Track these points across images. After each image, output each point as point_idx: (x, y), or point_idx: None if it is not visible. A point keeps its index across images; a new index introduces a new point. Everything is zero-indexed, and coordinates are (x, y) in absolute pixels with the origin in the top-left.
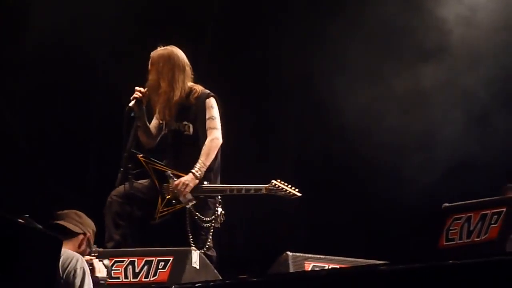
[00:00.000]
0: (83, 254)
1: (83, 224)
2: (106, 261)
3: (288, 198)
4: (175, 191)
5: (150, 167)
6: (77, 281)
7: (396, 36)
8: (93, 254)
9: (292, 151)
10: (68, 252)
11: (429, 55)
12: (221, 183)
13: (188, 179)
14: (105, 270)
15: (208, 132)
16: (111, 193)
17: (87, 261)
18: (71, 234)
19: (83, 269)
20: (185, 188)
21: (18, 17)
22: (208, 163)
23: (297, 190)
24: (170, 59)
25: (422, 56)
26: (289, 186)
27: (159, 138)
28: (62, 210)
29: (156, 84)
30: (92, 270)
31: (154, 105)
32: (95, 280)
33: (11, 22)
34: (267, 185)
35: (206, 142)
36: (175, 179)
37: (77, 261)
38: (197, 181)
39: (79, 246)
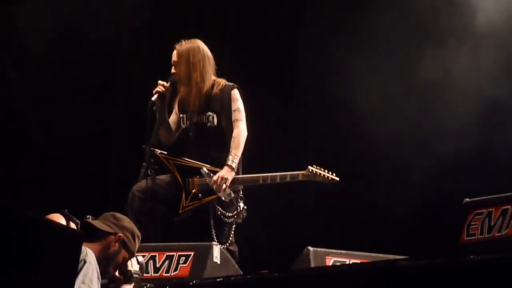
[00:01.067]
0: (115, 256)
1: (118, 226)
2: (140, 258)
3: (327, 183)
4: (214, 186)
5: (171, 163)
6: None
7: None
8: None
9: (313, 145)
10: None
11: (453, 41)
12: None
13: (225, 173)
14: (137, 265)
15: (235, 124)
16: (133, 188)
17: None
18: (100, 234)
19: (83, 261)
20: (225, 182)
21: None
22: (239, 155)
23: (334, 174)
24: (200, 51)
25: (446, 42)
26: (326, 170)
27: (177, 134)
28: (84, 206)
29: (187, 76)
30: (125, 264)
31: (184, 97)
32: (128, 273)
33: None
34: (303, 172)
35: (235, 134)
36: (211, 174)
37: (81, 253)
38: (233, 173)
39: (108, 247)
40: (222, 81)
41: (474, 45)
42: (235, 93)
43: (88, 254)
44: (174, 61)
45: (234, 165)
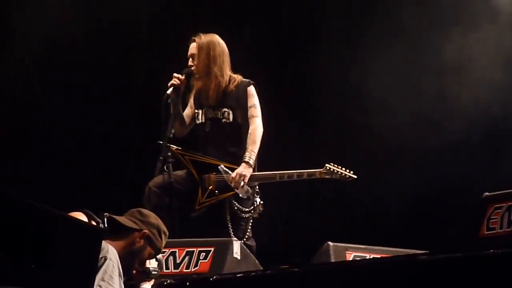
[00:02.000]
0: (140, 252)
1: (143, 222)
2: (158, 255)
3: (345, 181)
4: (232, 183)
5: (187, 159)
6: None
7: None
8: None
9: (330, 140)
10: (103, 244)
11: (476, 23)
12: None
13: (243, 170)
14: (156, 262)
15: (251, 121)
16: (149, 183)
17: None
18: (125, 230)
19: (104, 257)
20: (243, 179)
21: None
22: (256, 151)
23: (351, 172)
24: (219, 45)
25: (469, 24)
26: (343, 168)
27: (191, 127)
28: (103, 203)
29: (206, 69)
30: (144, 262)
31: (201, 90)
32: (146, 271)
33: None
34: (321, 169)
35: (251, 130)
36: (229, 171)
37: (102, 249)
38: (251, 170)
39: (133, 243)
40: (238, 77)
41: (495, 28)
42: (251, 89)
43: (110, 251)
44: (192, 54)
45: (251, 162)
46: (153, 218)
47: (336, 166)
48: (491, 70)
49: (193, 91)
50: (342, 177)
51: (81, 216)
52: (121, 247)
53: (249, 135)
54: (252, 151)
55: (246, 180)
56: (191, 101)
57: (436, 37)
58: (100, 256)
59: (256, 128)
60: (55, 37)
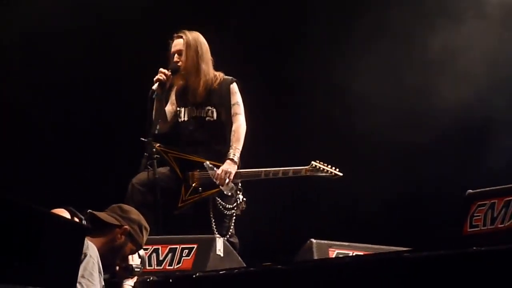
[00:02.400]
0: (122, 248)
1: (124, 218)
2: (141, 252)
3: (330, 179)
4: (217, 180)
5: (170, 156)
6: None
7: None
8: None
9: (316, 138)
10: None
11: (462, 19)
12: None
13: (228, 167)
14: (139, 259)
15: (234, 118)
16: (132, 179)
17: None
18: (106, 226)
19: (84, 254)
20: (228, 176)
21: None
22: (240, 148)
23: (338, 170)
24: (204, 43)
25: (454, 19)
26: (329, 166)
27: (171, 124)
28: (103, 203)
29: (195, 66)
30: (126, 259)
31: (187, 88)
32: (129, 267)
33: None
34: (306, 167)
35: (235, 128)
36: (215, 168)
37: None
38: (236, 167)
39: (114, 239)
40: (220, 75)
41: (481, 24)
42: (234, 87)
43: (89, 247)
44: (179, 50)
45: (235, 159)
46: (134, 213)
47: (322, 163)
48: (477, 66)
49: (175, 88)
50: (328, 175)
51: (64, 213)
52: (102, 243)
53: (233, 132)
54: (236, 148)
55: (231, 177)
56: (173, 98)
57: (421, 34)
58: (82, 252)
59: (240, 125)
60: (55, 36)
